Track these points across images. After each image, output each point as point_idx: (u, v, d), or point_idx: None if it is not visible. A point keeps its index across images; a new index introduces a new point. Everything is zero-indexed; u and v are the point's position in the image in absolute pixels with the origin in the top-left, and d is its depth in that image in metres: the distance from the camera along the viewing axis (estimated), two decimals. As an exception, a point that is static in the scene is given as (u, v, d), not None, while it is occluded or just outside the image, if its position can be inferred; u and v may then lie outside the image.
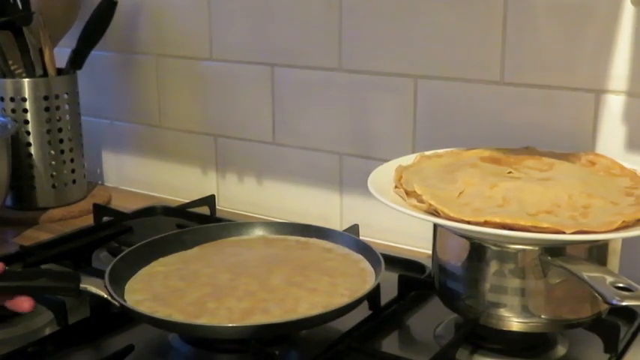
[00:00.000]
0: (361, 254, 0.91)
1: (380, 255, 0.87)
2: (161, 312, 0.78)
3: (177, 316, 0.77)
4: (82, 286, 0.81)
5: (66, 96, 1.26)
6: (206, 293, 0.82)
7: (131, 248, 0.90)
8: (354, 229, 1.07)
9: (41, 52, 1.24)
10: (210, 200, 1.20)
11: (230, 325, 0.76)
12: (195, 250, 0.95)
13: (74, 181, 1.30)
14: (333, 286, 0.84)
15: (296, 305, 0.80)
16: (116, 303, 0.79)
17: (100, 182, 1.46)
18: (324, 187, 1.19)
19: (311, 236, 0.97)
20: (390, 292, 0.90)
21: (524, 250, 0.74)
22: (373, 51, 1.10)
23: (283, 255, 0.92)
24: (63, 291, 0.83)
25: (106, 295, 0.80)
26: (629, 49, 0.92)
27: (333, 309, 0.77)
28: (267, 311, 0.78)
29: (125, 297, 0.82)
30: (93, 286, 0.81)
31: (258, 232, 0.99)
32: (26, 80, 1.22)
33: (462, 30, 1.03)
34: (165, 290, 0.83)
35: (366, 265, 0.89)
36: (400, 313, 0.90)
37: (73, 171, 1.30)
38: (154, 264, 0.90)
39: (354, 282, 0.84)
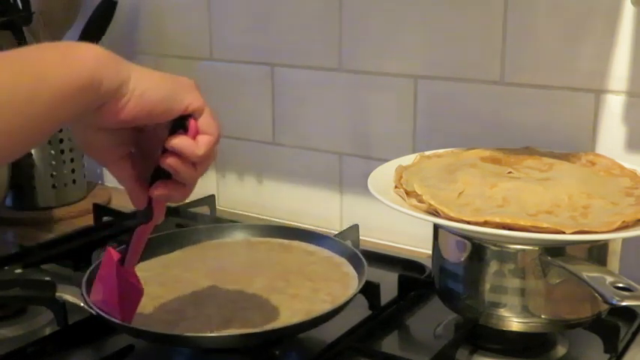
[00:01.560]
0: (344, 257, 0.91)
1: (363, 258, 0.87)
2: (139, 321, 0.76)
3: (156, 326, 0.76)
4: (57, 294, 0.80)
5: (66, 96, 1.26)
6: (186, 301, 0.81)
7: None
8: (354, 229, 1.07)
9: (41, 52, 1.24)
10: (210, 200, 1.20)
11: (209, 335, 0.75)
12: (177, 253, 0.94)
13: (74, 181, 1.30)
14: (315, 292, 0.83)
15: (276, 313, 0.79)
16: (92, 311, 0.77)
17: (100, 182, 1.46)
18: (324, 187, 1.19)
19: (294, 239, 0.96)
20: (390, 292, 0.90)
21: (524, 250, 0.74)
22: (373, 51, 1.10)
23: (265, 259, 0.92)
24: (38, 300, 0.82)
25: (82, 304, 0.79)
26: (629, 49, 0.92)
27: (313, 317, 0.76)
28: (247, 319, 0.78)
29: None
30: (69, 295, 0.80)
31: (241, 234, 0.98)
32: (26, 80, 1.22)
33: (462, 30, 1.03)
34: (144, 297, 0.79)
35: (349, 269, 0.88)
36: (400, 313, 0.90)
37: (73, 171, 1.30)
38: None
39: (336, 287, 0.84)
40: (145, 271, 0.86)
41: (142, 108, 0.59)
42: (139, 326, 0.75)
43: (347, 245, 0.92)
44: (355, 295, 0.80)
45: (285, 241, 0.96)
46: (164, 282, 0.86)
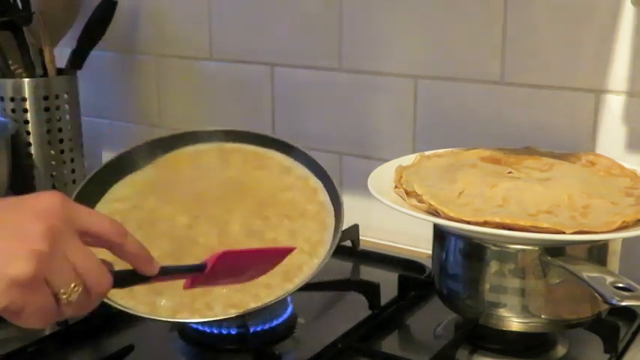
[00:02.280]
0: (319, 178, 0.86)
1: (337, 189, 0.83)
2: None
3: (138, 296, 0.74)
4: None
5: (66, 96, 1.26)
6: (164, 252, 0.77)
7: (84, 183, 0.85)
8: (354, 229, 1.07)
9: (41, 52, 1.24)
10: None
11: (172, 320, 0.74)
12: (151, 171, 0.88)
13: (74, 181, 1.30)
14: (293, 237, 0.80)
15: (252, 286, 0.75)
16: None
17: (100, 182, 1.46)
18: (324, 187, 1.19)
19: (269, 147, 0.90)
20: (390, 292, 0.90)
21: (524, 250, 0.74)
22: (373, 51, 1.10)
23: (241, 180, 0.87)
24: None
25: None
26: (629, 49, 0.92)
27: (282, 295, 0.75)
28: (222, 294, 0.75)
29: None
30: None
31: (215, 140, 0.91)
32: (26, 80, 1.22)
33: (462, 30, 1.03)
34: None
35: (324, 197, 0.84)
36: (400, 313, 0.90)
37: (73, 171, 1.30)
38: (109, 196, 0.85)
39: (313, 229, 0.81)
40: (122, 201, 0.84)
41: None
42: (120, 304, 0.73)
43: (320, 165, 0.87)
44: (331, 250, 0.78)
45: (260, 150, 0.90)
46: (142, 222, 0.82)
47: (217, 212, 0.83)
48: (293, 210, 0.84)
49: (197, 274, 0.65)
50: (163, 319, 0.75)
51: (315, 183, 0.86)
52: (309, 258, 0.78)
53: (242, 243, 0.79)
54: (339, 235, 0.79)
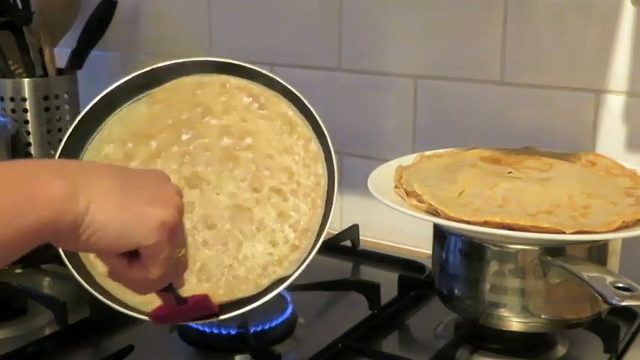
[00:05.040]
0: (320, 142, 0.83)
1: (322, 124, 0.81)
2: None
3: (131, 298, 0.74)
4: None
5: (66, 96, 1.26)
6: None
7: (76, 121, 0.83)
8: (354, 229, 1.07)
9: (41, 52, 1.24)
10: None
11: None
12: (143, 109, 0.85)
13: (74, 181, 1.30)
14: (281, 217, 0.79)
15: (239, 281, 0.76)
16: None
17: (100, 182, 1.45)
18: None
19: (244, 77, 0.85)
20: (390, 292, 0.90)
21: (524, 250, 0.74)
22: (373, 51, 1.10)
23: (239, 134, 0.82)
24: None
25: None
26: (629, 49, 0.92)
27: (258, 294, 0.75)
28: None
29: None
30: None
31: (193, 73, 0.86)
32: (26, 80, 1.22)
33: (462, 30, 1.03)
34: None
35: (322, 169, 0.81)
36: (400, 313, 0.90)
37: (73, 171, 1.30)
38: (100, 139, 0.82)
39: (303, 211, 0.79)
40: (112, 142, 0.82)
41: (94, 245, 0.56)
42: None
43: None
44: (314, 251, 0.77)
45: (266, 93, 0.84)
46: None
47: (209, 177, 0.81)
48: (286, 182, 0.80)
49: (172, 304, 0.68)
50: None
51: (316, 146, 0.83)
52: (291, 252, 0.77)
53: (224, 227, 0.78)
54: (323, 233, 0.78)
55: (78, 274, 0.77)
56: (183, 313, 0.71)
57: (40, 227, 0.52)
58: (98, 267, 0.77)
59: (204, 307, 0.72)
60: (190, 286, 0.74)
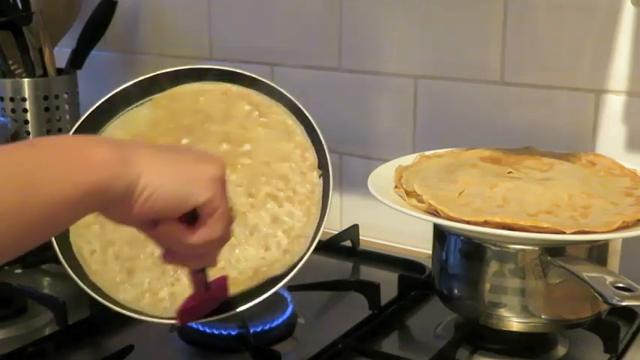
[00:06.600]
0: (316, 152, 0.83)
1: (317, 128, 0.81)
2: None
3: (107, 284, 0.74)
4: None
5: (66, 96, 1.26)
6: (137, 247, 0.77)
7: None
8: (354, 229, 1.07)
9: (41, 52, 1.24)
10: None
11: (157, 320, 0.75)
12: (145, 113, 0.85)
13: (74, 181, 1.30)
14: (275, 224, 0.79)
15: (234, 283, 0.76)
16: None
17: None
18: (324, 187, 1.19)
19: (248, 86, 0.86)
20: (390, 292, 0.90)
21: (524, 250, 0.74)
22: (373, 51, 1.10)
23: (239, 140, 0.83)
24: None
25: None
26: (629, 49, 0.92)
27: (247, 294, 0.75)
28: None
29: (71, 238, 0.79)
30: None
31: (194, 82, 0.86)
32: (26, 80, 1.22)
33: (462, 30, 1.03)
34: None
35: (318, 178, 0.81)
36: (400, 313, 0.90)
37: (73, 171, 1.30)
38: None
39: (297, 217, 0.79)
40: None
41: (151, 208, 0.56)
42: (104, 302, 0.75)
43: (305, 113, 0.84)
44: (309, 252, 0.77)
45: (267, 102, 0.85)
46: None
47: None
48: (282, 189, 0.81)
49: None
50: (163, 320, 0.75)
51: (312, 155, 0.83)
52: (283, 256, 0.78)
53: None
54: (316, 240, 0.78)
55: (72, 272, 0.77)
56: (207, 303, 0.71)
57: (95, 189, 0.53)
58: (92, 265, 0.78)
59: (223, 290, 0.73)
60: (182, 288, 0.74)
